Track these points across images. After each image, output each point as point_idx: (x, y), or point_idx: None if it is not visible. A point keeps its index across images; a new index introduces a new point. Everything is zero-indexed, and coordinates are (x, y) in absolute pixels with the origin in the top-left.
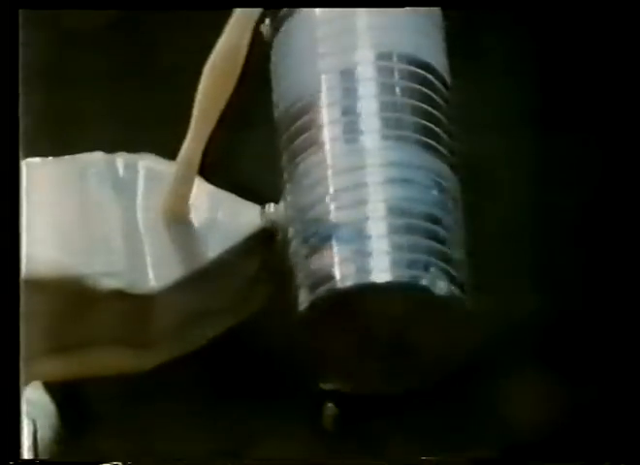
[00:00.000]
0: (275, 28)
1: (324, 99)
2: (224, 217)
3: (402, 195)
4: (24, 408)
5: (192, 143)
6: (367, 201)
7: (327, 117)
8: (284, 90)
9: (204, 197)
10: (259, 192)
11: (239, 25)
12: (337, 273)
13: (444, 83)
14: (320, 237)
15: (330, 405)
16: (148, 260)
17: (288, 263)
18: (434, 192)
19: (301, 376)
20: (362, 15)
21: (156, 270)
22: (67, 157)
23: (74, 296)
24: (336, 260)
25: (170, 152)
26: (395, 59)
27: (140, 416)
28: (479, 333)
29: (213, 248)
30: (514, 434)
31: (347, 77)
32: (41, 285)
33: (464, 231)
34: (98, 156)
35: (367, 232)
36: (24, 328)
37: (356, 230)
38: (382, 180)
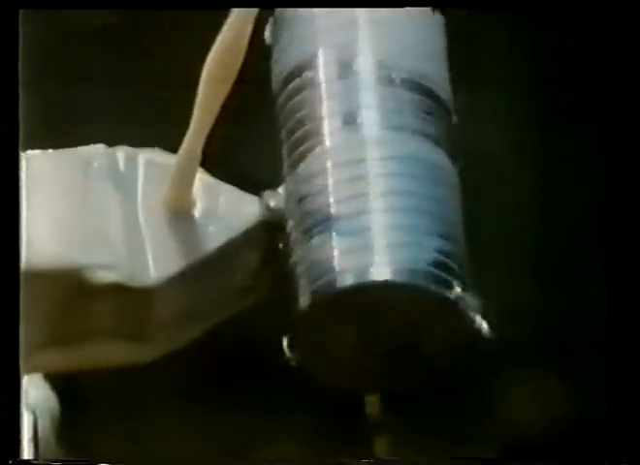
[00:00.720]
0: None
1: (324, 91)
2: (225, 209)
3: (403, 188)
4: (24, 400)
5: (193, 136)
6: (367, 194)
7: (326, 109)
8: (283, 77)
9: (204, 189)
10: (259, 184)
11: (239, 19)
12: (337, 270)
13: (446, 108)
14: (320, 229)
15: (371, 399)
16: (149, 252)
17: (288, 255)
18: (434, 185)
19: (301, 374)
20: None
21: (156, 263)
22: (67, 150)
23: (74, 289)
24: (336, 252)
25: (171, 146)
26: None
27: (139, 415)
28: (479, 332)
29: (214, 240)
30: (514, 434)
31: (346, 68)
32: (40, 277)
33: (465, 225)
34: (98, 149)
35: (366, 225)
36: (24, 320)
37: (356, 222)
38: (382, 172)
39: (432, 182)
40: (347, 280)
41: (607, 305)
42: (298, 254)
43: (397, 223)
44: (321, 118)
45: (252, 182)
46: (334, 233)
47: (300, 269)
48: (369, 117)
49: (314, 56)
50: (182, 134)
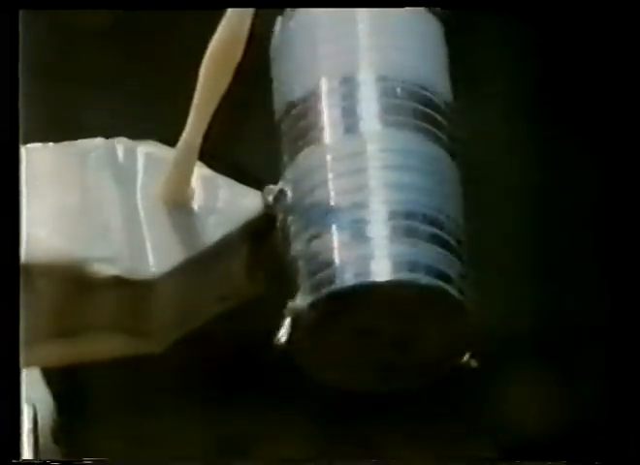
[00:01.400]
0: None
1: (323, 86)
2: (224, 202)
3: (402, 181)
4: (24, 393)
5: (192, 129)
6: (366, 187)
7: (326, 102)
8: (284, 76)
9: (203, 182)
10: (259, 177)
11: (238, 12)
12: (337, 264)
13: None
14: (319, 222)
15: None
16: (148, 245)
17: (288, 248)
18: (434, 178)
19: (300, 374)
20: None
21: (156, 256)
22: (67, 142)
23: (73, 282)
24: (335, 245)
25: (170, 139)
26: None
27: (137, 413)
28: (479, 333)
29: (213, 233)
30: (514, 434)
31: (347, 66)
32: (40, 270)
33: (465, 221)
34: (98, 142)
35: (366, 218)
36: (24, 313)
37: (355, 215)
38: (382, 165)
39: (431, 175)
40: (347, 278)
41: (607, 305)
42: (297, 247)
43: (396, 216)
44: (320, 111)
45: (251, 175)
46: (333, 227)
47: (299, 263)
48: (369, 110)
49: (317, 86)
50: (182, 127)
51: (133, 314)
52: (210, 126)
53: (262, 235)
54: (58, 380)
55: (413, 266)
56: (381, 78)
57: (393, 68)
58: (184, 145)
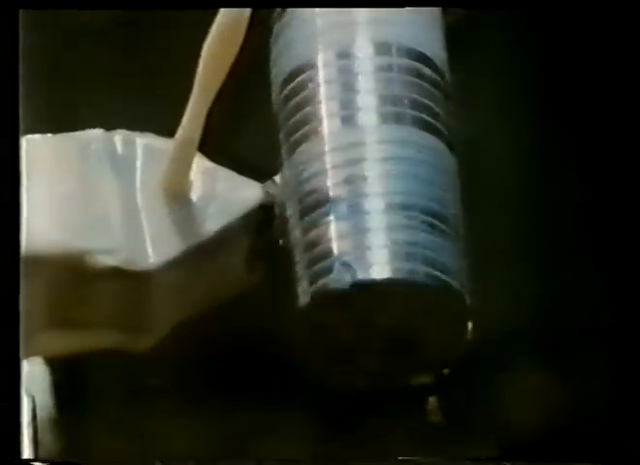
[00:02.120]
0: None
1: (321, 76)
2: (223, 193)
3: (400, 171)
4: (24, 384)
5: (191, 120)
6: (364, 178)
7: (324, 93)
8: (282, 65)
9: (202, 173)
10: (258, 168)
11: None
12: (336, 260)
13: (442, 75)
14: (317, 213)
15: (432, 399)
16: (147, 236)
17: (286, 239)
18: (433, 169)
19: (300, 370)
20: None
21: (155, 247)
22: (66, 134)
23: (72, 272)
24: (334, 236)
25: (169, 130)
26: (394, 51)
27: (136, 411)
28: (478, 329)
29: (212, 224)
30: (514, 434)
31: (344, 55)
32: (40, 261)
33: (464, 219)
34: (96, 133)
35: (364, 208)
36: (24, 304)
37: (353, 205)
38: (380, 156)
39: (430, 167)
40: (345, 273)
41: (608, 304)
42: (295, 238)
43: (395, 207)
44: (319, 102)
45: (250, 166)
46: (331, 217)
47: (297, 253)
48: (367, 102)
49: (314, 58)
50: (180, 118)
51: (131, 305)
52: (210, 117)
53: (261, 227)
54: (57, 371)
55: (412, 258)
56: (379, 49)
57: (391, 38)
58: (183, 136)
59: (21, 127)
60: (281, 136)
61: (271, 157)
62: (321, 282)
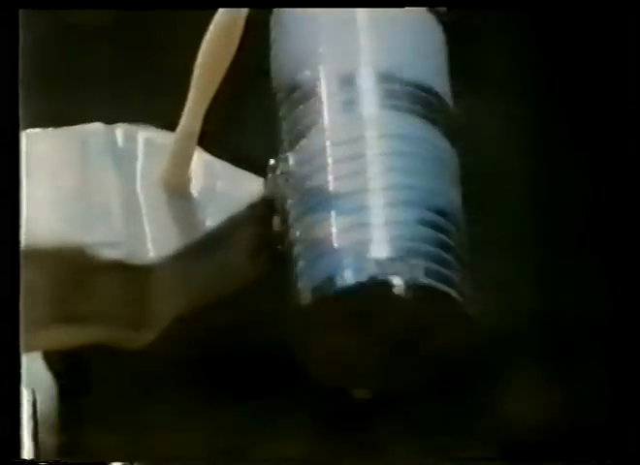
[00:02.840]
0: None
1: (322, 71)
2: (223, 187)
3: (401, 166)
4: (24, 377)
5: (191, 114)
6: (365, 172)
7: (326, 88)
8: (284, 61)
9: (203, 167)
10: (259, 163)
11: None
12: (337, 256)
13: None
14: (318, 207)
15: (360, 391)
16: (147, 230)
17: (288, 233)
18: (433, 164)
19: (301, 372)
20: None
21: (155, 241)
22: (67, 128)
23: (73, 267)
24: (334, 230)
25: (169, 124)
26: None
27: (135, 410)
28: (479, 330)
29: (212, 218)
30: (514, 434)
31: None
32: (41, 255)
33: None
34: (97, 127)
35: (365, 203)
36: (24, 298)
37: (354, 200)
38: (381, 151)
39: (430, 161)
40: (346, 274)
41: (607, 305)
42: (297, 232)
43: (395, 201)
44: (320, 97)
45: (251, 161)
46: (332, 211)
47: (298, 248)
48: (369, 97)
49: (315, 71)
50: (180, 116)
51: (131, 298)
52: (210, 112)
53: (261, 220)
54: (58, 365)
55: (413, 254)
56: (382, 75)
57: (393, 63)
58: (183, 131)
59: (22, 124)
60: (283, 130)
61: (272, 151)
62: (322, 283)
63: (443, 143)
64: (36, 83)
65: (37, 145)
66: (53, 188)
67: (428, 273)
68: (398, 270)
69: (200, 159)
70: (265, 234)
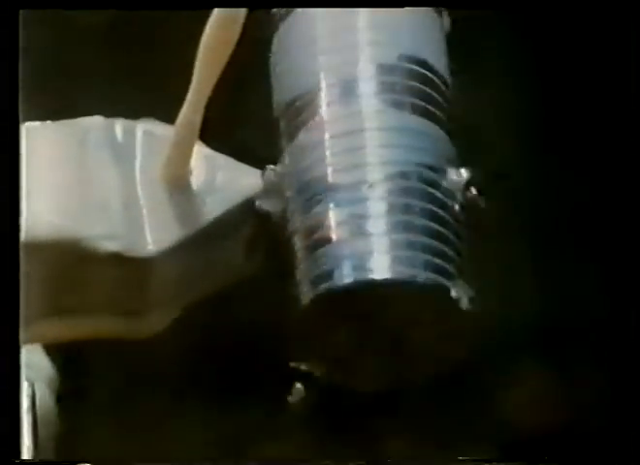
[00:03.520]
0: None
1: (321, 64)
2: (222, 181)
3: (400, 158)
4: (23, 371)
5: (191, 107)
6: (364, 165)
7: (324, 81)
8: (283, 62)
9: (202, 160)
10: (258, 156)
11: None
12: (336, 252)
13: (444, 82)
14: (317, 200)
15: (298, 386)
16: (147, 223)
17: (286, 227)
18: (432, 156)
19: (299, 371)
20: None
21: (154, 234)
22: (66, 121)
23: (72, 259)
24: (333, 223)
25: (169, 117)
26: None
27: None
28: (478, 330)
29: (211, 211)
30: (514, 434)
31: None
32: (40, 248)
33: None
34: (97, 120)
35: (364, 196)
36: (24, 291)
37: (353, 193)
38: (380, 144)
39: (429, 154)
40: (345, 272)
41: (607, 304)
42: (295, 225)
43: (394, 193)
44: (319, 90)
45: (251, 154)
46: (331, 205)
47: (297, 241)
48: (367, 88)
49: (316, 85)
50: (180, 106)
51: (131, 291)
52: (210, 105)
53: (261, 214)
54: (57, 359)
55: (412, 247)
56: (381, 68)
57: (392, 50)
58: (183, 124)
59: (21, 118)
60: (282, 123)
61: (271, 144)
62: (322, 283)
63: (443, 136)
64: (35, 82)
65: (36, 138)
66: (53, 181)
67: (428, 268)
68: (397, 265)
69: (200, 152)
70: (264, 227)
